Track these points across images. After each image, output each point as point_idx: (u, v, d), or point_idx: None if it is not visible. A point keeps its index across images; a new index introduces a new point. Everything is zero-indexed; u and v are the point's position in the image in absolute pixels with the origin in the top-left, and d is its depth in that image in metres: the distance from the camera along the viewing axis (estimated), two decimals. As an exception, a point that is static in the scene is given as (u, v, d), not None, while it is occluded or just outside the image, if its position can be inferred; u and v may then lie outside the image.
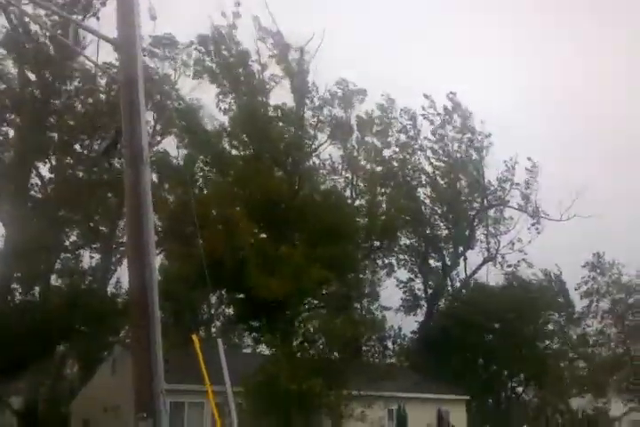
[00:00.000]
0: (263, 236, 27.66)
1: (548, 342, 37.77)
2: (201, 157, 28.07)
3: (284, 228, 26.69)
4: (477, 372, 34.44)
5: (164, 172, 27.99)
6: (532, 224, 38.24)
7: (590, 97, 67.15)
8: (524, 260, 38.20)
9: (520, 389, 37.99)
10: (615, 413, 38.82)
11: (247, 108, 27.48)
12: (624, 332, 40.49)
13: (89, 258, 29.99)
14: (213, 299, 27.65)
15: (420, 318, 38.12)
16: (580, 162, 57.36)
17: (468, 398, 29.61)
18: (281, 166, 27.49)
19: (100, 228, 30.03)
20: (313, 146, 30.05)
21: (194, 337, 9.33)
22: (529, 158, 37.72)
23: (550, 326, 37.88)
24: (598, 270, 40.85)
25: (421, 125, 38.72)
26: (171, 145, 30.53)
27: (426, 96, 38.34)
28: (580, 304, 39.93)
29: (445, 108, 38.80)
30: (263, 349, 28.18)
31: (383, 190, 35.25)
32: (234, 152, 29.04)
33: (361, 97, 32.31)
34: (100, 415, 22.78)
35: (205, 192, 27.52)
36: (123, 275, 28.25)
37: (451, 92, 38.68)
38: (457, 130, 39.06)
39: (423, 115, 38.47)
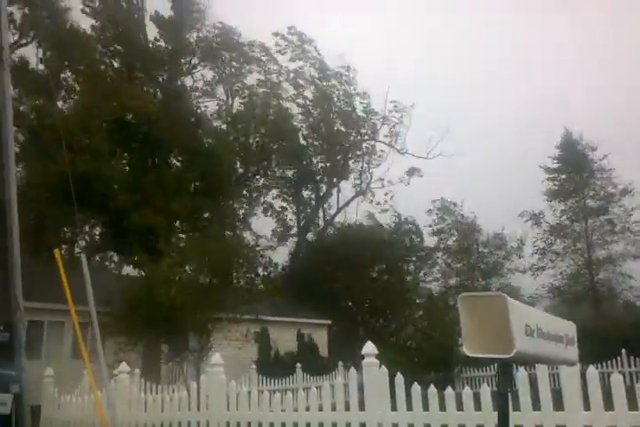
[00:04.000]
0: (126, 159, 26.24)
1: (406, 278, 39.24)
2: (66, 62, 25.79)
3: (153, 149, 25.46)
4: (339, 301, 35.44)
5: (23, 81, 25.56)
6: (407, 172, 39.58)
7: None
8: (391, 198, 39.60)
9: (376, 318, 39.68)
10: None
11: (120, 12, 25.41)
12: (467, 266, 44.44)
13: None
14: (78, 218, 26.22)
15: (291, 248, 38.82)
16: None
17: (329, 322, 31.12)
18: (153, 81, 25.96)
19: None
20: (188, 65, 28.76)
21: (56, 252, 8.90)
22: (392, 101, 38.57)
23: (407, 265, 39.21)
24: (443, 212, 44.98)
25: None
26: (31, 52, 28.02)
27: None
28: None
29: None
30: (129, 271, 27.66)
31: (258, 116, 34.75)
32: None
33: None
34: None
35: (69, 105, 25.48)
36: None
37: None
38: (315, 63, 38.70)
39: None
